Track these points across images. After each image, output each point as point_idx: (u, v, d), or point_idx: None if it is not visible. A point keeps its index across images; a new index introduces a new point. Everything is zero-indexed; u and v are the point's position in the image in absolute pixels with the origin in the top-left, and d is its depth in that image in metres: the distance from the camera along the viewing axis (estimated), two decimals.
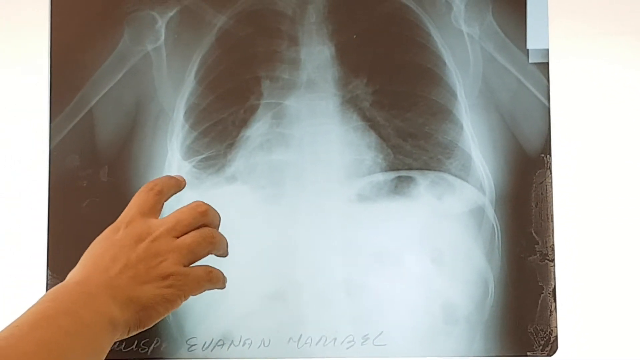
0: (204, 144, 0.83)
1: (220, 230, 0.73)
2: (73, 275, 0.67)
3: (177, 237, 0.68)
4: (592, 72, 0.82)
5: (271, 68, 0.83)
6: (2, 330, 0.59)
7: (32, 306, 0.62)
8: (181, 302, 0.68)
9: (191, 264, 0.69)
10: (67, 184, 0.83)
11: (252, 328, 0.80)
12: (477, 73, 0.83)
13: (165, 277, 0.66)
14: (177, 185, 0.75)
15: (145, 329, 0.66)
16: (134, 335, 0.67)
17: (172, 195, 0.74)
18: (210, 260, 0.72)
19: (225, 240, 0.73)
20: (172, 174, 0.77)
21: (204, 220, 0.71)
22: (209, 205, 0.71)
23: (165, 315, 0.67)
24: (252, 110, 0.83)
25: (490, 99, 0.82)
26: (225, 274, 0.73)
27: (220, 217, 0.73)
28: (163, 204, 0.72)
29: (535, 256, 0.80)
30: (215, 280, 0.71)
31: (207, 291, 0.71)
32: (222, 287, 0.72)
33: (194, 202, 0.71)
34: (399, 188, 0.82)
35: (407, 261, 0.81)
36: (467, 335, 0.80)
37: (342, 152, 0.82)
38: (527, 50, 0.83)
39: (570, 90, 0.82)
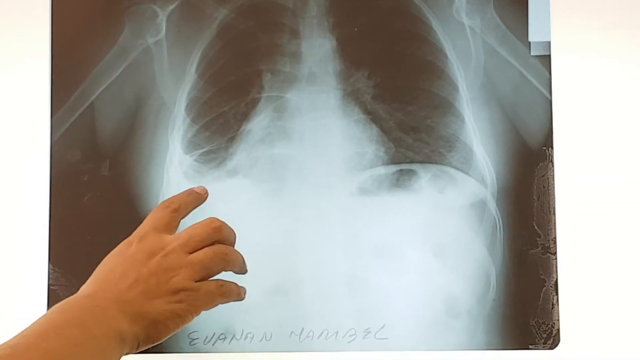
0: (205, 137, 0.83)
1: None
2: (84, 289, 0.66)
3: (190, 253, 0.68)
4: (594, 65, 0.82)
5: (272, 61, 0.83)
6: (10, 340, 0.58)
7: (40, 317, 0.61)
8: (192, 317, 0.67)
9: (203, 280, 0.68)
10: (68, 178, 0.83)
11: (253, 322, 0.80)
12: (479, 66, 0.82)
13: (176, 292, 0.65)
14: (197, 200, 0.73)
15: (154, 344, 0.65)
16: None
17: (190, 211, 0.73)
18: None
19: (241, 257, 0.72)
20: (193, 187, 0.75)
21: (218, 237, 0.70)
22: (223, 222, 0.70)
23: (176, 331, 0.66)
24: (253, 104, 0.83)
25: (492, 92, 0.82)
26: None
27: (235, 235, 0.72)
28: (179, 222, 0.71)
29: (537, 249, 0.80)
30: (228, 294, 0.70)
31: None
32: (239, 299, 0.71)
33: (208, 218, 0.70)
34: (400, 181, 0.81)
35: (408, 255, 0.81)
36: (469, 329, 0.80)
37: (343, 145, 0.82)
38: (529, 42, 0.82)
39: (572, 83, 0.82)
